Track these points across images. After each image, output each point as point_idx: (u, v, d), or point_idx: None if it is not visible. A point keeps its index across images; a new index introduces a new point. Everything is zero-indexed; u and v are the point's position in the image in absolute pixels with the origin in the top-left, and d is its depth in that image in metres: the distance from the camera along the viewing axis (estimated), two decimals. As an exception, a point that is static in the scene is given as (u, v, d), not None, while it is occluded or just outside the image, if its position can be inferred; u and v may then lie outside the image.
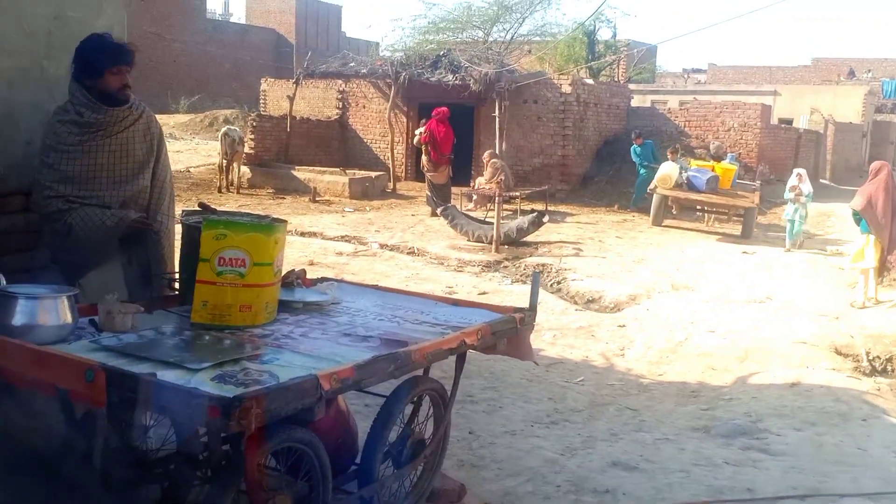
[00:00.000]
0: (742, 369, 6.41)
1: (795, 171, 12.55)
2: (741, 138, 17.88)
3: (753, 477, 4.08)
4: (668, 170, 13.48)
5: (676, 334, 7.33)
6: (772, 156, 18.49)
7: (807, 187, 12.09)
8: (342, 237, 11.50)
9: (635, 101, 21.99)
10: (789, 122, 25.15)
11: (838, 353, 6.91)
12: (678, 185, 13.33)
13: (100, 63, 3.30)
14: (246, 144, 16.93)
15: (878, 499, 3.84)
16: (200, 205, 3.76)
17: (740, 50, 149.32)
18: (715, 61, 49.20)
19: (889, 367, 6.73)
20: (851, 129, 27.34)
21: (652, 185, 13.69)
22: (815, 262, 11.25)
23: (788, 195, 12.16)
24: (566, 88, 16.96)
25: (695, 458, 4.32)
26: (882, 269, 8.81)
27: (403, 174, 18.63)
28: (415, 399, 3.31)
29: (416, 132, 14.67)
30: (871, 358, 6.79)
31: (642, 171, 15.27)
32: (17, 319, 2.55)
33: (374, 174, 17.17)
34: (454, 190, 14.44)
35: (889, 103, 36.27)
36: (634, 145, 15.64)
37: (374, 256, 10.43)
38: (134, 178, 3.48)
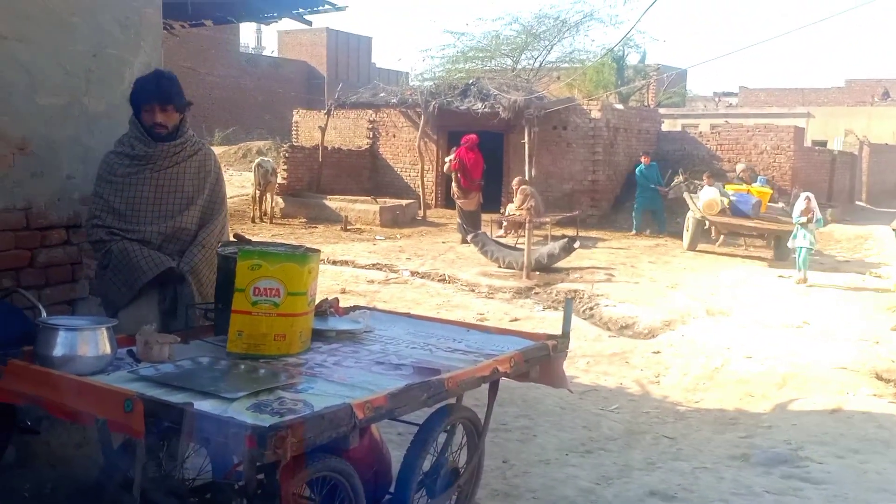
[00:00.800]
0: (781, 396, 6.28)
1: (803, 194, 11.51)
2: (774, 161, 17.70)
3: (795, 507, 3.98)
4: (713, 195, 13.19)
5: (713, 360, 7.22)
6: (806, 178, 18.25)
7: (817, 212, 11.36)
8: (373, 265, 11.56)
9: (665, 126, 21.92)
10: (823, 144, 24.90)
11: (879, 378, 6.74)
12: (722, 211, 13.14)
13: (135, 99, 3.40)
14: (279, 175, 17.17)
15: (926, 529, 3.72)
16: (236, 235, 3.82)
17: (772, 72, 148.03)
18: (746, 84, 49.00)
19: (934, 393, 6.55)
20: (887, 151, 26.92)
21: (695, 213, 13.47)
22: (853, 285, 11.03)
23: (799, 219, 11.25)
24: (595, 114, 16.97)
25: (734, 487, 4.23)
26: None
27: (434, 202, 18.73)
28: (448, 427, 3.30)
29: (446, 160, 14.76)
30: (914, 383, 6.61)
31: (643, 191, 15.60)
32: (58, 350, 2.60)
33: (404, 202, 17.29)
34: (484, 217, 14.47)
35: (926, 123, 35.71)
36: (641, 164, 15.77)
37: (406, 284, 10.46)
38: (179, 214, 3.46)
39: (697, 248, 13.69)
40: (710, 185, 13.84)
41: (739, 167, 15.63)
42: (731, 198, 13.19)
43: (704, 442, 5.22)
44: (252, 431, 2.11)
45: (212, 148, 3.71)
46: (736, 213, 13.09)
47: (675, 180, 15.52)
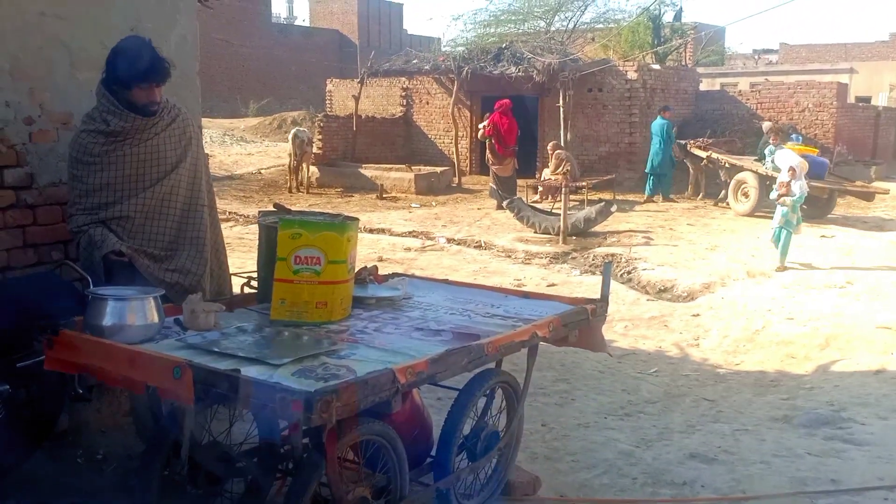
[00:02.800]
0: (823, 357, 6.21)
1: (788, 161, 9.47)
2: (816, 119, 17.25)
3: (838, 468, 3.96)
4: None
5: (753, 322, 7.15)
6: (849, 136, 17.78)
7: (799, 186, 9.17)
8: (410, 233, 11.61)
9: (704, 85, 21.47)
10: (867, 100, 24.16)
11: (926, 338, 6.61)
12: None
13: (131, 77, 3.15)
14: (314, 145, 17.23)
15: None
16: (275, 205, 3.86)
17: (813, 27, 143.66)
18: (786, 40, 47.52)
19: (981, 353, 6.41)
20: (935, 105, 26.06)
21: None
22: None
23: (772, 195, 9.61)
24: (632, 75, 16.68)
25: (776, 449, 4.22)
26: None
27: (468, 168, 18.66)
28: (487, 392, 3.34)
29: (480, 126, 14.67)
30: (961, 343, 6.48)
31: (658, 147, 14.53)
32: (108, 320, 2.67)
33: (439, 169, 17.25)
34: (520, 182, 14.39)
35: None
36: (661, 118, 14.78)
37: (442, 251, 10.49)
38: (159, 184, 3.26)
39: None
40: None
41: (766, 126, 14.22)
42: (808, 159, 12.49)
43: (745, 404, 5.20)
44: (299, 396, 2.16)
45: (188, 112, 3.50)
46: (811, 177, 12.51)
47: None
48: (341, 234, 3.04)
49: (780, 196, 9.29)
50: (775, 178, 11.22)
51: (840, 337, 6.60)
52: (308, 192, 16.02)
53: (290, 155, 16.23)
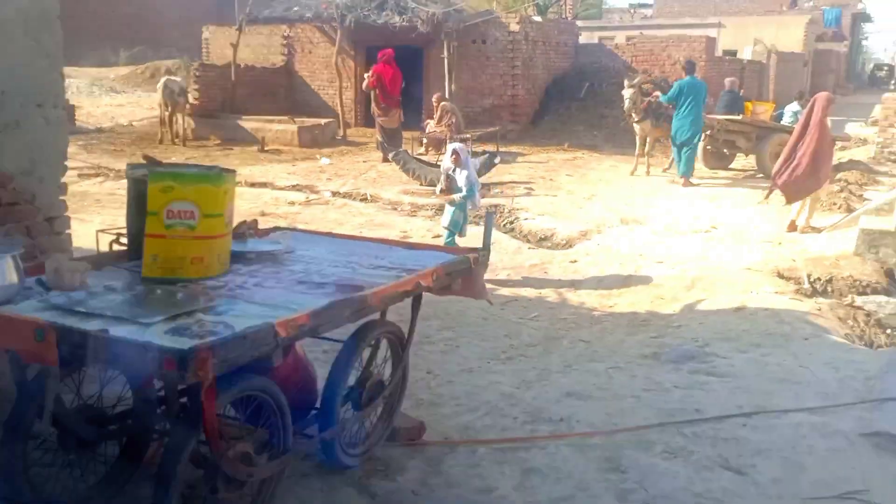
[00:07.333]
0: (690, 297, 6.61)
1: (451, 145, 7.79)
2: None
3: (701, 399, 4.25)
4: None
5: (626, 267, 7.50)
6: (717, 87, 18.66)
7: (465, 177, 7.15)
8: (293, 186, 11.39)
9: (583, 38, 21.90)
10: (734, 53, 25.37)
11: (781, 276, 7.13)
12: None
13: None
14: (190, 95, 16.50)
15: (819, 412, 4.04)
16: (145, 157, 3.70)
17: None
18: (661, -6, 48.94)
19: (829, 288, 6.99)
20: (793, 59, 27.69)
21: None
22: (759, 190, 11.50)
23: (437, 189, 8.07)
24: (514, 27, 16.80)
25: (645, 384, 4.48)
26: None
27: (353, 120, 18.38)
28: (372, 342, 3.37)
29: (365, 76, 14.45)
30: (812, 280, 7.03)
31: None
32: (-39, 282, 2.51)
33: (323, 121, 16.92)
34: (405, 134, 14.32)
35: (830, 32, 36.77)
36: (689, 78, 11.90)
37: (327, 205, 10.37)
38: None
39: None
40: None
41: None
42: None
43: (618, 343, 5.49)
44: (172, 355, 2.11)
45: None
46: None
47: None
48: (217, 186, 2.95)
49: (442, 192, 7.76)
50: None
51: (705, 278, 7.02)
52: (184, 145, 15.38)
53: (160, 106, 15.54)
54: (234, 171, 3.15)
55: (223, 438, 2.51)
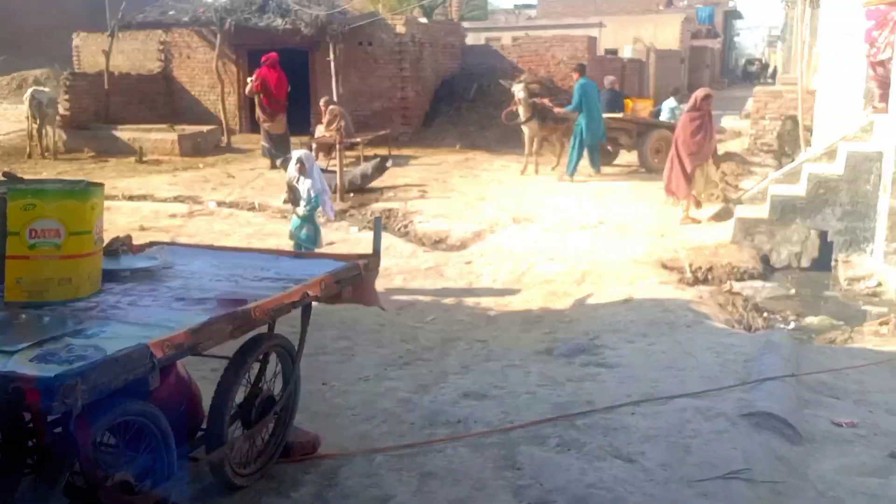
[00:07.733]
0: (580, 292, 6.79)
1: (296, 153, 7.22)
2: (571, 70, 18.51)
3: (593, 390, 4.37)
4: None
5: (519, 265, 7.64)
6: (600, 87, 19.30)
7: (307, 187, 6.83)
8: (175, 198, 10.98)
9: (470, 40, 22.15)
10: (615, 52, 26.30)
11: (665, 267, 7.44)
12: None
13: None
14: (60, 106, 15.67)
15: (702, 396, 4.23)
16: (5, 174, 3.49)
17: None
18: (543, -5, 50.21)
19: (709, 276, 7.35)
20: (671, 56, 29.01)
21: None
22: (643, 186, 11.95)
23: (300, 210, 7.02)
24: (401, 29, 16.80)
25: (540, 380, 4.56)
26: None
27: (238, 127, 17.89)
28: (260, 357, 3.27)
29: (248, 79, 14.10)
30: (693, 269, 7.37)
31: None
32: None
33: (205, 128, 16.41)
34: (293, 140, 14.07)
35: (704, 29, 38.78)
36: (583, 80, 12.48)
37: (212, 216, 10.06)
38: None
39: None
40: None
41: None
42: None
43: (513, 341, 5.57)
44: (35, 385, 1.98)
45: None
46: None
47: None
48: (83, 202, 2.80)
49: (286, 200, 7.44)
50: None
51: (594, 272, 7.24)
52: (56, 159, 14.60)
53: (28, 118, 14.72)
54: (101, 185, 2.99)
55: (100, 467, 2.37)
